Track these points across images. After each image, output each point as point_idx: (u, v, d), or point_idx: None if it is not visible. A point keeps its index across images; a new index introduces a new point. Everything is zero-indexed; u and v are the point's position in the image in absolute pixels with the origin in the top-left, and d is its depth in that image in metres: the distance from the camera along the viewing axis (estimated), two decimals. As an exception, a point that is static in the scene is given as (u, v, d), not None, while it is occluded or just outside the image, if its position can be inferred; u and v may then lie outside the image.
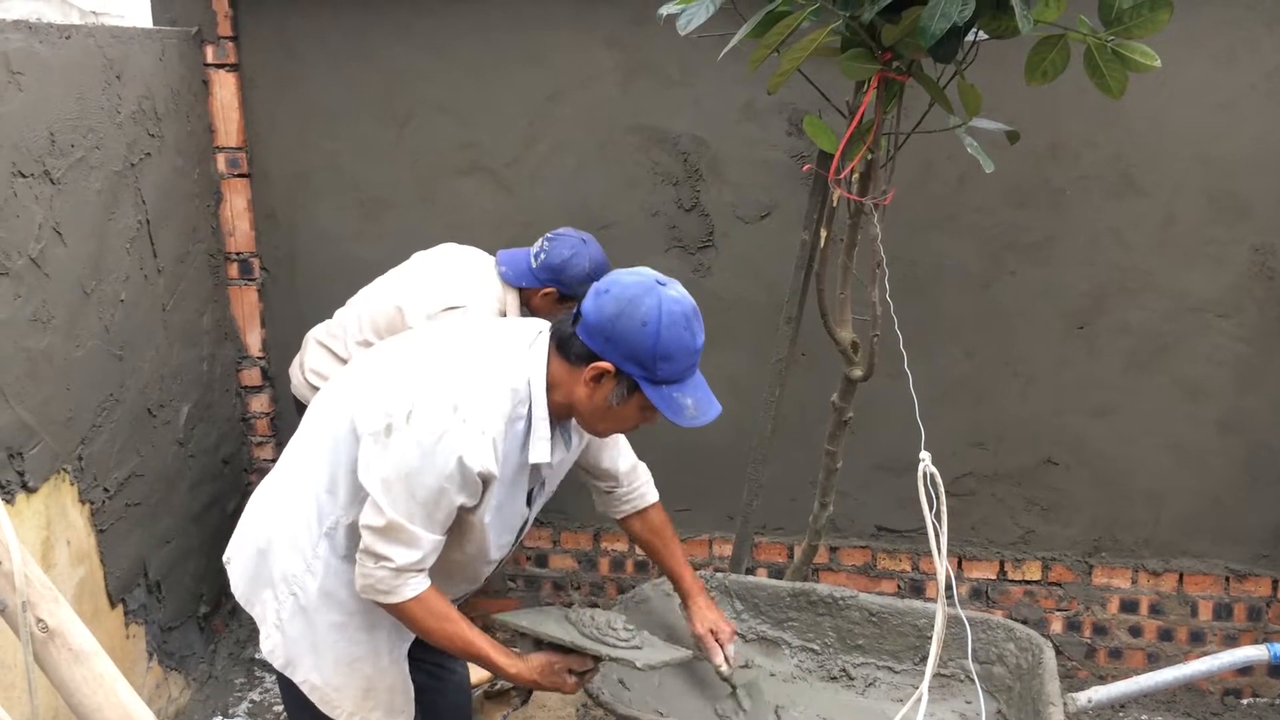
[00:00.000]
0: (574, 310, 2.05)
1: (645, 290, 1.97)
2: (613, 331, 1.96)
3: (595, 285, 2.03)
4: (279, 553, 2.15)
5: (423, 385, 2.00)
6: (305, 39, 3.46)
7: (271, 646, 2.17)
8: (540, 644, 2.22)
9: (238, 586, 2.21)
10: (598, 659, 2.20)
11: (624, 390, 2.02)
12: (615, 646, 2.21)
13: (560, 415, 2.09)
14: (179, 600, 3.37)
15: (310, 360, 3.20)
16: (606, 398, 2.02)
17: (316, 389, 3.06)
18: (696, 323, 2.02)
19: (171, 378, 3.28)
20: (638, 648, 2.24)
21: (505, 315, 3.10)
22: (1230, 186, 3.11)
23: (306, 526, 2.13)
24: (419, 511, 1.97)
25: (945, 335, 3.33)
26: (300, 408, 3.19)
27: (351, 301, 3.20)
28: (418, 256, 3.20)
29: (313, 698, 2.18)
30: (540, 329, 2.12)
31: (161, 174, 3.21)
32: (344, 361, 3.07)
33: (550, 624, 2.23)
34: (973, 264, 3.28)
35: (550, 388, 2.05)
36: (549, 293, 3.11)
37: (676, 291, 2.00)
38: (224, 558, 2.25)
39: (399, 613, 2.07)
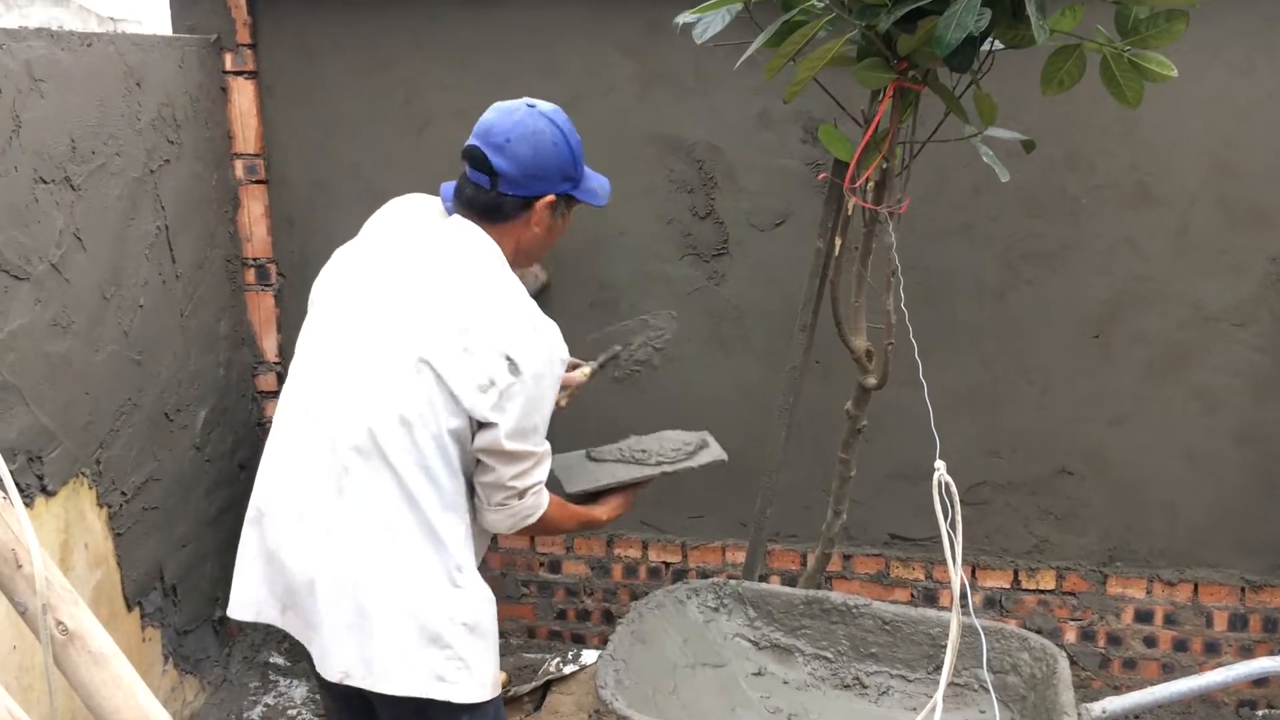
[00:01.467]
0: (474, 179, 2.13)
1: (533, 117, 2.14)
2: (540, 168, 2.11)
3: (486, 143, 2.11)
4: (410, 600, 2.03)
5: (486, 330, 2.01)
6: (324, 47, 3.48)
7: (461, 691, 2.06)
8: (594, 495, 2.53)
9: (351, 670, 2.04)
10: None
11: (562, 207, 2.20)
12: (676, 461, 2.65)
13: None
14: (194, 604, 3.39)
15: None
16: (549, 225, 2.18)
17: None
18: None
19: (189, 382, 3.30)
20: (691, 454, 2.68)
21: None
22: (1247, 196, 3.10)
23: (429, 543, 2.04)
24: (543, 426, 2.09)
25: (961, 344, 3.32)
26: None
27: None
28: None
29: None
30: (450, 219, 2.18)
31: (180, 180, 3.24)
32: None
33: (615, 471, 2.58)
34: (988, 273, 3.28)
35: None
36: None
37: (544, 103, 2.20)
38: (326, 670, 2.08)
39: (541, 525, 2.20)
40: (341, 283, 2.21)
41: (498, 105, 2.19)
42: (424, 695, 2.05)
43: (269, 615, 2.18)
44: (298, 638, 2.17)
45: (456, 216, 2.17)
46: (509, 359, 2.00)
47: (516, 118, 2.12)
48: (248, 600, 2.20)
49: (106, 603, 2.93)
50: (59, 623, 1.64)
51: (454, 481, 2.06)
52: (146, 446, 3.08)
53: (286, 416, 2.17)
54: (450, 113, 3.47)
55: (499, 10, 3.38)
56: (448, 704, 2.07)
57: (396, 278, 2.12)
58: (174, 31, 3.49)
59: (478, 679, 2.10)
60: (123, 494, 2.98)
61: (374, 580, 2.04)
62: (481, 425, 2.01)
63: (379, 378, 2.04)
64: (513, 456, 2.04)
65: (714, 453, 2.72)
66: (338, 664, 2.07)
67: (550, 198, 2.13)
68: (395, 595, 2.04)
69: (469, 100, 3.46)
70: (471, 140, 2.16)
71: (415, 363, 2.01)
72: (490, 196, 2.12)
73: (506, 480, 2.06)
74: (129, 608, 3.04)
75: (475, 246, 2.12)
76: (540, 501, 2.15)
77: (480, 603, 2.12)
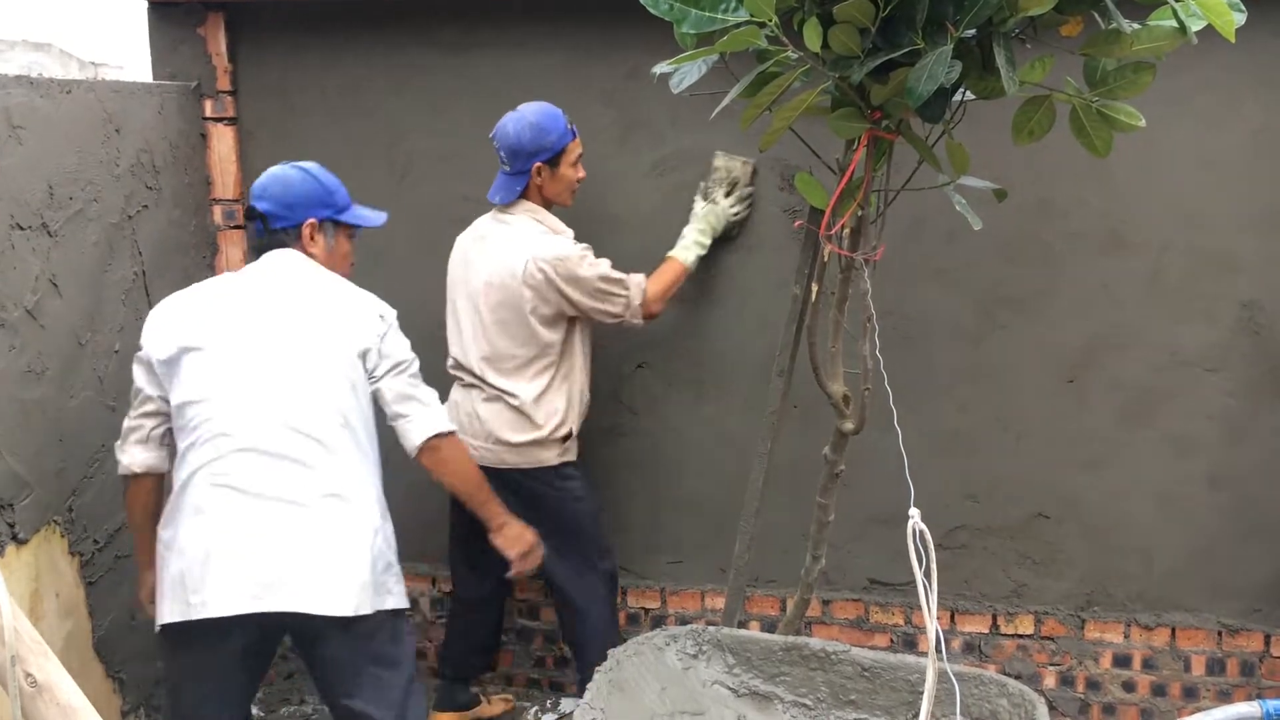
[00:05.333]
0: (257, 230, 2.71)
1: (284, 169, 2.75)
2: (292, 201, 2.71)
3: (252, 200, 2.70)
4: (368, 525, 2.53)
5: (357, 307, 2.72)
6: (304, 93, 3.51)
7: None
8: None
9: (362, 600, 2.46)
10: None
11: (330, 230, 2.78)
12: None
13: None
14: (167, 653, 3.34)
15: None
16: (326, 245, 2.76)
17: None
18: None
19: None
20: None
21: (554, 233, 3.16)
22: (1217, 243, 3.15)
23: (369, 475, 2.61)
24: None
25: (938, 389, 3.34)
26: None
27: None
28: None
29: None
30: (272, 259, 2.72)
31: (158, 226, 3.24)
32: None
33: None
34: (964, 318, 3.31)
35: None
36: (541, 166, 3.11)
37: (305, 163, 2.81)
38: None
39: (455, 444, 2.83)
40: (219, 328, 2.57)
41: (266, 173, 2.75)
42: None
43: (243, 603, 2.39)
44: (253, 607, 2.37)
45: (274, 253, 2.70)
46: (380, 316, 2.67)
47: (272, 174, 2.72)
48: (225, 596, 2.38)
49: (77, 652, 2.89)
50: (28, 674, 1.61)
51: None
52: (119, 494, 3.05)
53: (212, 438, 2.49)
54: (432, 158, 3.49)
55: (479, 57, 3.42)
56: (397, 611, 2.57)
57: (269, 314, 2.59)
58: (154, 78, 3.50)
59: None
60: (95, 542, 2.95)
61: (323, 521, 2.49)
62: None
63: (306, 386, 2.52)
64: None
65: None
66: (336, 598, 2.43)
67: (312, 221, 2.70)
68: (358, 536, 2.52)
69: (450, 146, 3.50)
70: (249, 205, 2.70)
71: (328, 364, 2.55)
72: (272, 235, 2.69)
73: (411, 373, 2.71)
74: (100, 658, 2.99)
75: (300, 270, 2.67)
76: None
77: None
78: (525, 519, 3.11)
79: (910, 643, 3.50)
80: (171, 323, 2.55)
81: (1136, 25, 2.06)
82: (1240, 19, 2.01)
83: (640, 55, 3.11)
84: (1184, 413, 3.24)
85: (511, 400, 3.13)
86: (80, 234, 2.87)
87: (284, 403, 2.48)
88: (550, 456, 3.17)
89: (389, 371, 2.64)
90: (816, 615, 3.53)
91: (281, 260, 2.67)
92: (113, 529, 3.02)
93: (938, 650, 1.66)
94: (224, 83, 3.52)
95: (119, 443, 2.62)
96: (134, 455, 2.59)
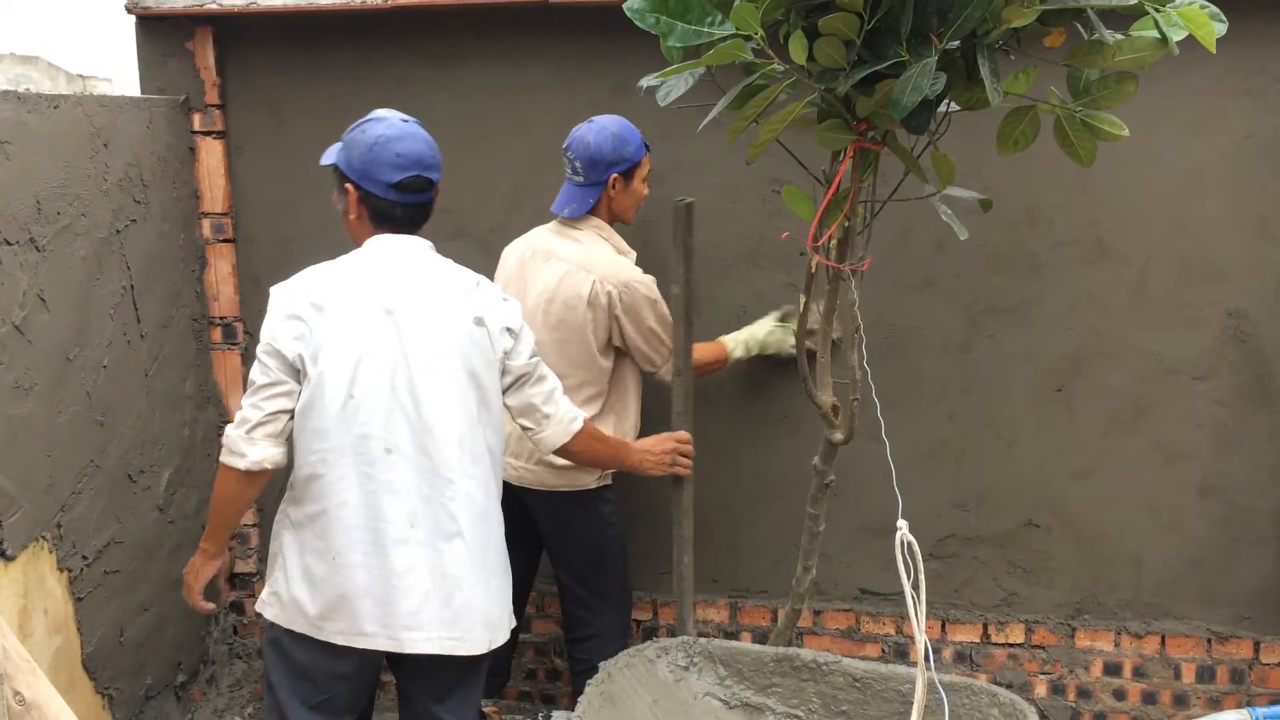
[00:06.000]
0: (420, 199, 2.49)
1: (416, 127, 2.54)
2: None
3: (423, 168, 2.46)
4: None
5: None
6: (293, 106, 3.51)
7: None
8: None
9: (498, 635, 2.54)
10: None
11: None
12: None
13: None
14: (157, 669, 3.33)
15: None
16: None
17: None
18: None
19: (153, 443, 3.27)
20: None
21: (621, 253, 3.10)
22: (1203, 252, 3.16)
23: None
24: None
25: (927, 398, 3.35)
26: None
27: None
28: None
29: None
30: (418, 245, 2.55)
31: (147, 240, 3.24)
32: None
33: None
34: (952, 328, 3.32)
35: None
36: (617, 178, 3.05)
37: (392, 113, 2.58)
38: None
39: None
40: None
41: (397, 135, 2.46)
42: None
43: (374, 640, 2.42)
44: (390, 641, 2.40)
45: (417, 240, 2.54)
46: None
47: (417, 135, 2.50)
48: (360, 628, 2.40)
49: (66, 669, 2.87)
50: (16, 693, 1.61)
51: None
52: (109, 509, 3.05)
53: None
54: (418, 172, 3.49)
55: (467, 70, 3.42)
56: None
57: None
58: (142, 92, 3.50)
59: None
60: (84, 558, 2.93)
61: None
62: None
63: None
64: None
65: None
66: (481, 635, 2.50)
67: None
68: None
69: (437, 160, 3.49)
70: (411, 174, 2.45)
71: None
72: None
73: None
74: (89, 674, 2.98)
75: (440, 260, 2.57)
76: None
77: None
78: (556, 542, 3.14)
79: (902, 653, 3.50)
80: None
81: (1119, 36, 2.08)
82: (1221, 29, 2.03)
83: (628, 68, 3.12)
84: (1172, 421, 3.25)
85: None
86: (68, 249, 2.86)
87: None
88: (589, 480, 3.11)
89: None
90: (808, 625, 3.53)
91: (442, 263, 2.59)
92: (101, 544, 3.01)
93: (927, 661, 1.66)
94: (212, 96, 3.52)
95: (242, 431, 2.37)
96: (266, 450, 2.39)
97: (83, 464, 2.93)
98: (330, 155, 2.51)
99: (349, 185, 2.46)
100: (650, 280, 3.06)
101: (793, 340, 3.23)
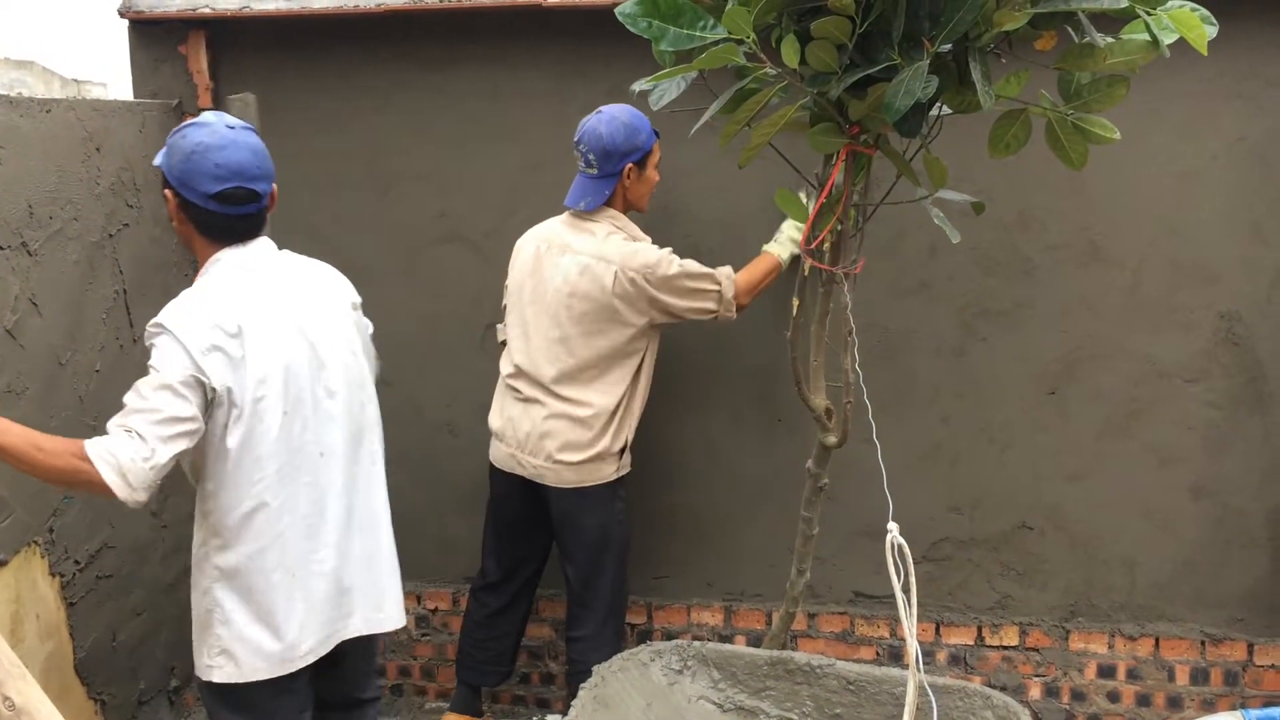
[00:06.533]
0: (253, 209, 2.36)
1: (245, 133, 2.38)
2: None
3: (246, 179, 2.30)
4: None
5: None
6: (285, 111, 3.50)
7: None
8: None
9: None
10: None
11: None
12: None
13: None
14: (150, 674, 3.32)
15: None
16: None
17: None
18: None
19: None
20: None
21: (636, 239, 3.08)
22: (1195, 254, 3.17)
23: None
24: None
25: (921, 401, 3.36)
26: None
27: None
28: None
29: None
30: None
31: (139, 244, 3.23)
32: None
33: None
34: (946, 331, 3.32)
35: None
36: (631, 168, 3.05)
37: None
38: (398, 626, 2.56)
39: None
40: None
41: (218, 143, 2.31)
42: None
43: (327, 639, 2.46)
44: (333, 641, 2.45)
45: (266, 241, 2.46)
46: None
47: (241, 143, 2.33)
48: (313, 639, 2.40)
49: (58, 675, 2.86)
50: (6, 698, 1.61)
51: None
52: (100, 513, 3.04)
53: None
54: (412, 175, 3.50)
55: (461, 74, 3.42)
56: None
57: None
58: (135, 96, 3.50)
59: None
60: (76, 562, 2.93)
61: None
62: None
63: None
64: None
65: None
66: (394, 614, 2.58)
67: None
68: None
69: (432, 163, 3.50)
70: (230, 185, 2.29)
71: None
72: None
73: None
74: (81, 680, 2.97)
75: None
76: None
77: None
78: (565, 533, 3.18)
79: (896, 655, 3.50)
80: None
81: (1110, 39, 2.09)
82: (1212, 32, 2.03)
83: (621, 72, 3.12)
84: (1165, 424, 3.25)
85: (580, 413, 3.06)
86: (61, 253, 2.86)
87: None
88: (609, 471, 3.12)
89: None
90: (802, 629, 3.53)
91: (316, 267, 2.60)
92: (94, 549, 3.01)
93: (925, 661, 1.66)
94: (205, 100, 3.51)
95: (147, 467, 2.16)
96: (150, 494, 2.23)
97: (75, 469, 2.92)
98: (159, 157, 2.38)
99: (168, 191, 2.34)
100: (666, 250, 3.05)
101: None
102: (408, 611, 3.71)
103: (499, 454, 3.22)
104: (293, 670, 2.35)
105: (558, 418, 3.07)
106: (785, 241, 3.19)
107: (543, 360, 3.08)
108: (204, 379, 2.19)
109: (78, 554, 2.93)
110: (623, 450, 3.14)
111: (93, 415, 2.99)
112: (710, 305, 3.05)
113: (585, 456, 3.07)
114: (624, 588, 3.30)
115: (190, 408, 2.18)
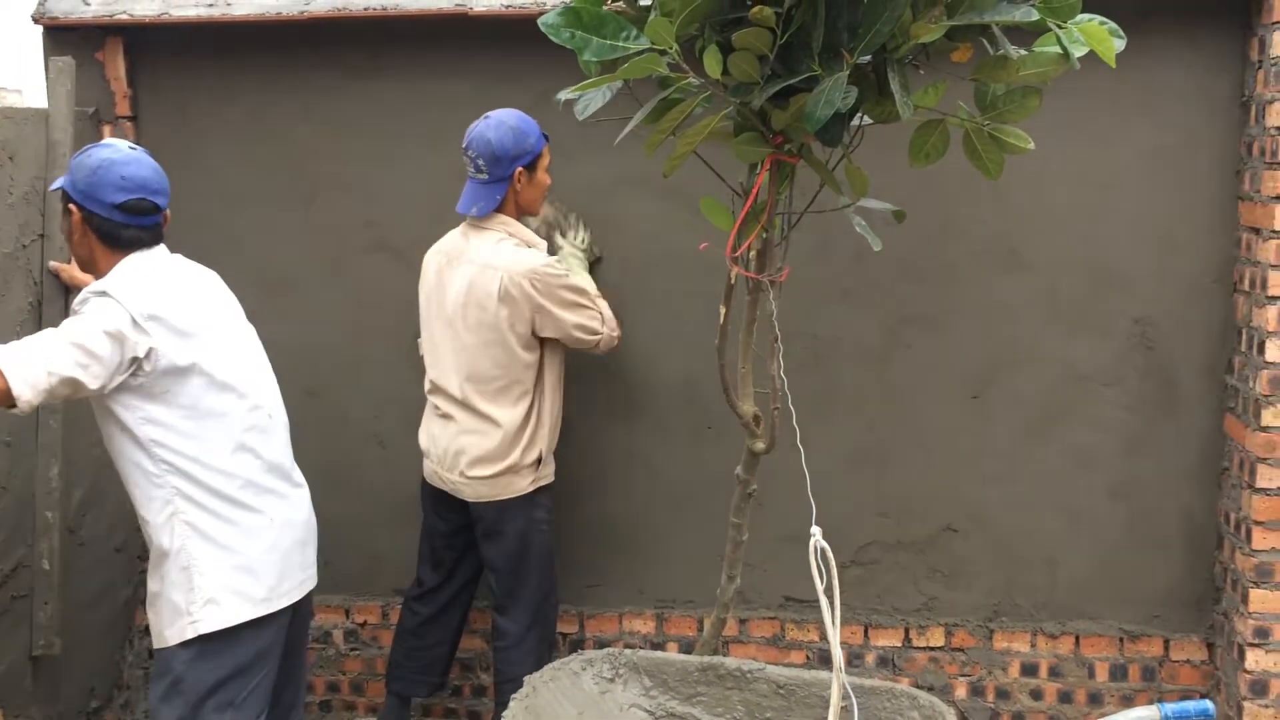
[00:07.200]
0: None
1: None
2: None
3: (150, 193, 2.47)
4: None
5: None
6: (206, 119, 3.45)
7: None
8: None
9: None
10: None
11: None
12: None
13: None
14: (70, 695, 3.23)
15: None
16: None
17: None
18: None
19: (63, 464, 3.18)
20: None
21: (528, 245, 3.09)
22: (1111, 262, 3.25)
23: None
24: None
25: (847, 407, 3.40)
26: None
27: None
28: None
29: None
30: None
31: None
32: None
33: None
34: (871, 337, 3.37)
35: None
36: (521, 172, 3.06)
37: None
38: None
39: None
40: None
41: (123, 160, 2.47)
42: None
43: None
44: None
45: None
46: None
47: (143, 161, 2.52)
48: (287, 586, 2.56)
49: (-29, 698, 2.78)
50: (-89, 723, 1.56)
51: None
52: (16, 532, 2.96)
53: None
54: (337, 185, 3.46)
55: (387, 81, 3.40)
56: None
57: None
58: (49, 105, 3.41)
59: None
60: (-11, 582, 2.85)
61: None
62: None
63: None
64: None
65: None
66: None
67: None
68: None
69: (356, 172, 3.47)
70: (135, 195, 2.46)
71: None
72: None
73: None
74: (-4, 702, 2.89)
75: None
76: None
77: None
78: (486, 542, 3.17)
79: (826, 659, 3.52)
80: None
81: (1023, 52, 2.14)
82: (1120, 45, 2.09)
83: (547, 80, 3.11)
84: (1083, 426, 3.33)
85: (487, 428, 3.07)
86: (-29, 264, 2.78)
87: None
88: (524, 484, 3.13)
89: None
90: (733, 634, 3.55)
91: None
92: (9, 568, 2.92)
93: (854, 663, 1.68)
94: (124, 108, 3.45)
95: (44, 372, 2.25)
96: (40, 400, 2.32)
97: (-12, 485, 2.84)
98: (57, 181, 2.55)
99: (72, 206, 2.47)
100: (555, 260, 3.09)
101: (574, 241, 3.37)
102: (336, 626, 3.68)
103: (427, 469, 3.26)
104: (274, 610, 2.49)
105: (468, 433, 3.10)
106: (570, 261, 3.25)
107: (450, 374, 3.11)
108: (133, 338, 2.30)
109: (-9, 573, 2.85)
110: (538, 462, 3.15)
111: (6, 432, 2.91)
112: (594, 325, 3.10)
113: (496, 470, 3.09)
114: (550, 596, 3.29)
115: (104, 349, 2.27)
